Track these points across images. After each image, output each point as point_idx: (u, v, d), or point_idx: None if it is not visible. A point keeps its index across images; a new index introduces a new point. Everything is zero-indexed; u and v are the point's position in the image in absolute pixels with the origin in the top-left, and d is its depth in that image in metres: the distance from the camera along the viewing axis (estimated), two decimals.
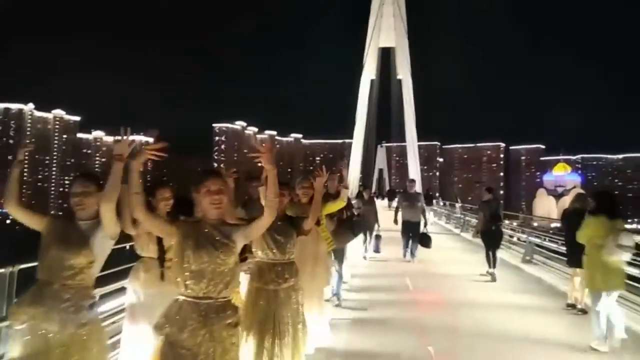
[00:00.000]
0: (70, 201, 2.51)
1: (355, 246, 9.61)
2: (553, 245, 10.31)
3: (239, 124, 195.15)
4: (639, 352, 4.85)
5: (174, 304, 2.28)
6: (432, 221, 20.08)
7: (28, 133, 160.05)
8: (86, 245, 2.40)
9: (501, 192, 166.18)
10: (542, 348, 4.93)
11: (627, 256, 4.80)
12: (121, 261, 3.79)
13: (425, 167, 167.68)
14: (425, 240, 10.14)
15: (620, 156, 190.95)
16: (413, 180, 11.72)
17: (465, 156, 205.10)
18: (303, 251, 3.94)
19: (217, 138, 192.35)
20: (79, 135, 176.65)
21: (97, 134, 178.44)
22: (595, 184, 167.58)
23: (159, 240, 3.19)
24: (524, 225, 15.32)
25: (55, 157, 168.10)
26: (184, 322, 2.19)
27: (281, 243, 3.31)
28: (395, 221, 10.48)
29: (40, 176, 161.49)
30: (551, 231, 12.66)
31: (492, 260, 8.77)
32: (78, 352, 2.28)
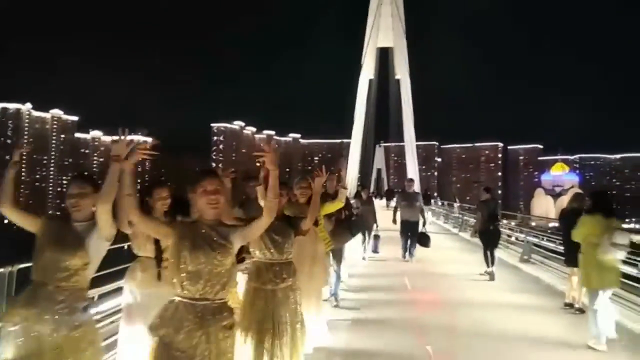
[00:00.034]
0: (67, 202, 2.49)
1: (354, 246, 9.61)
2: (551, 245, 10.33)
3: (237, 124, 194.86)
4: (637, 351, 4.86)
5: (170, 305, 2.26)
6: (430, 221, 20.08)
7: (26, 133, 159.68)
8: (81, 247, 2.38)
9: (499, 191, 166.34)
10: (540, 347, 4.94)
11: (621, 254, 4.87)
12: (119, 261, 3.78)
13: (424, 167, 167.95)
14: (424, 240, 10.16)
15: (618, 156, 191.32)
16: (411, 180, 11.68)
17: (464, 156, 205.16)
18: (301, 251, 3.93)
19: (215, 138, 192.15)
20: (77, 135, 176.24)
21: (95, 133, 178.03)
22: (593, 183, 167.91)
23: (156, 240, 3.17)
24: (522, 225, 15.37)
25: (53, 157, 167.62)
26: (180, 324, 2.17)
27: (279, 243, 3.31)
28: (394, 221, 10.49)
29: (38, 176, 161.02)
30: (549, 231, 12.71)
31: (490, 259, 8.80)
32: (71, 354, 2.26)
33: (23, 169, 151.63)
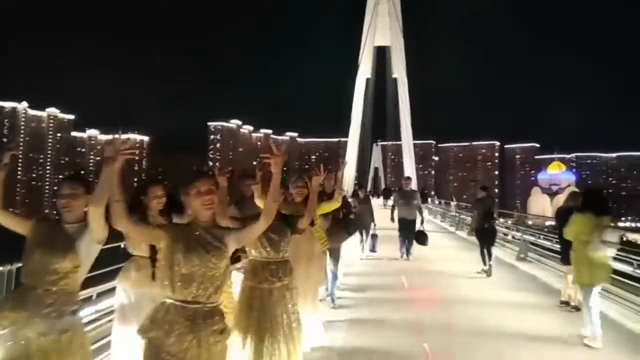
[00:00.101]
0: (57, 203, 2.44)
1: (351, 245, 9.61)
2: (547, 243, 10.36)
3: (234, 123, 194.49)
4: (632, 348, 4.88)
5: (161, 307, 2.21)
6: (428, 219, 20.11)
7: (22, 131, 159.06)
8: (72, 249, 2.33)
9: (496, 190, 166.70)
10: (536, 344, 4.95)
11: (612, 252, 4.92)
12: (115, 260, 3.76)
13: (421, 166, 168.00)
14: (421, 238, 10.14)
15: (615, 155, 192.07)
16: (409, 178, 11.65)
17: (461, 155, 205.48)
18: (297, 250, 3.93)
19: (212, 136, 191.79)
20: (73, 133, 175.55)
21: (92, 132, 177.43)
22: (589, 182, 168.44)
23: None
24: (519, 224, 15.41)
25: (49, 156, 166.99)
26: (171, 327, 2.13)
27: (275, 241, 3.30)
28: (392, 219, 10.50)
29: (34, 175, 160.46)
30: (545, 229, 12.73)
31: (487, 256, 8.83)
32: (59, 358, 2.22)
33: (19, 168, 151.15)
